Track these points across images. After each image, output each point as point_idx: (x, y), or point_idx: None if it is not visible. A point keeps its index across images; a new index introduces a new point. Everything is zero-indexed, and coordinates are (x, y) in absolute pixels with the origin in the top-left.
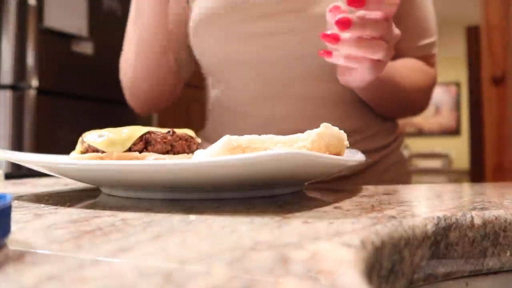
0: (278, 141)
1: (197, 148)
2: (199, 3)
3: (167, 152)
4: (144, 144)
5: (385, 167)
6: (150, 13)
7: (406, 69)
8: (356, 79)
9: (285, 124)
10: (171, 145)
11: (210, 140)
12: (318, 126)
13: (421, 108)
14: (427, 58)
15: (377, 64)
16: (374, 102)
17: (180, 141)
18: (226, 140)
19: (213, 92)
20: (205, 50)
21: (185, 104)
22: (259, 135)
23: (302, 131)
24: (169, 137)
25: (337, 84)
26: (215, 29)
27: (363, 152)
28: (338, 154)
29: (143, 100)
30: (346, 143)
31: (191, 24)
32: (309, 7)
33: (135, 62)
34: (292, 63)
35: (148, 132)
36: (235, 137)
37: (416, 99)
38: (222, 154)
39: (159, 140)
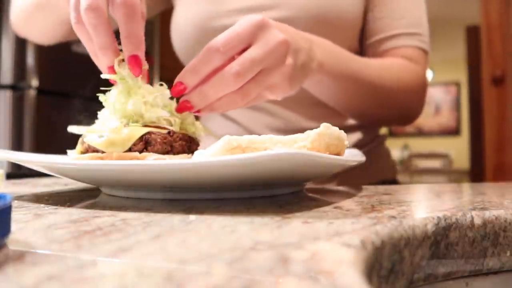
0: (278, 141)
1: (196, 148)
2: (180, 8)
3: (167, 153)
4: (144, 145)
5: (368, 163)
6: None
7: (384, 66)
8: (277, 93)
9: (263, 124)
10: (171, 146)
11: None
12: (297, 126)
13: (413, 111)
14: (416, 54)
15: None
16: (347, 103)
17: (180, 142)
18: (226, 140)
19: None
20: (182, 52)
21: None
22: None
23: (282, 131)
24: (169, 138)
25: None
26: (195, 31)
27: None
28: (338, 154)
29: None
30: (347, 143)
31: (173, 26)
32: (278, 7)
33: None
34: None
35: (148, 133)
36: (235, 137)
37: (404, 100)
38: (222, 154)
39: (159, 140)
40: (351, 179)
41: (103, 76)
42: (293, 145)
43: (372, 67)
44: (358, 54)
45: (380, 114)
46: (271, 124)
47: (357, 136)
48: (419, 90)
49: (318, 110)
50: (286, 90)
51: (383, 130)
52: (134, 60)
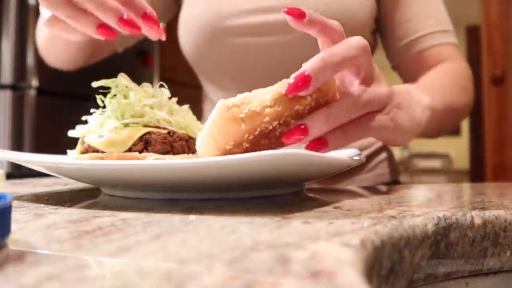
0: (269, 91)
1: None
2: (188, 5)
3: (167, 153)
4: (144, 145)
5: (374, 164)
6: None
7: (447, 80)
8: (398, 140)
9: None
10: (171, 146)
11: None
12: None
13: (471, 105)
14: (452, 50)
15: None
16: (439, 131)
17: (180, 142)
18: (221, 104)
19: (208, 93)
20: (191, 50)
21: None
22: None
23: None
24: (169, 138)
25: None
26: (202, 34)
27: (359, 148)
28: (329, 101)
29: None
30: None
31: (180, 26)
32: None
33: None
34: (275, 67)
35: (148, 133)
36: (229, 99)
37: (468, 102)
38: (221, 118)
39: (159, 140)
40: (358, 182)
41: (94, 84)
42: (282, 89)
43: (445, 87)
44: None
45: (456, 124)
46: None
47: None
48: (472, 86)
49: None
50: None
51: None
52: (146, 18)
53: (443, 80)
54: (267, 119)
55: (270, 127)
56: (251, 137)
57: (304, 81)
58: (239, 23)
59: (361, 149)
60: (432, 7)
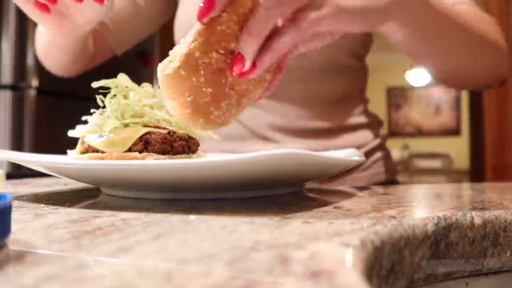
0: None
1: (196, 149)
2: (184, 4)
3: (167, 153)
4: (144, 145)
5: (370, 163)
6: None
7: (466, 9)
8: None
9: (264, 122)
10: (171, 146)
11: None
12: (292, 123)
13: (503, 65)
14: (476, 9)
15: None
16: (440, 51)
17: (179, 142)
18: (158, 67)
19: None
20: None
21: None
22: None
23: (283, 130)
24: (168, 138)
25: (315, 83)
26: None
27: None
28: (254, 6)
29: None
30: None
31: (176, 25)
32: None
33: (53, 55)
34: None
35: (148, 133)
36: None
37: (495, 48)
38: (164, 79)
39: (159, 140)
40: (352, 181)
41: (94, 84)
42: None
43: (457, 9)
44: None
45: (473, 67)
46: (273, 122)
47: (359, 135)
48: (500, 43)
49: (321, 108)
50: (353, 22)
51: (384, 130)
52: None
53: (465, 12)
54: (197, 54)
55: (213, 61)
56: (202, 79)
57: (209, 1)
58: None
59: (361, 146)
60: None
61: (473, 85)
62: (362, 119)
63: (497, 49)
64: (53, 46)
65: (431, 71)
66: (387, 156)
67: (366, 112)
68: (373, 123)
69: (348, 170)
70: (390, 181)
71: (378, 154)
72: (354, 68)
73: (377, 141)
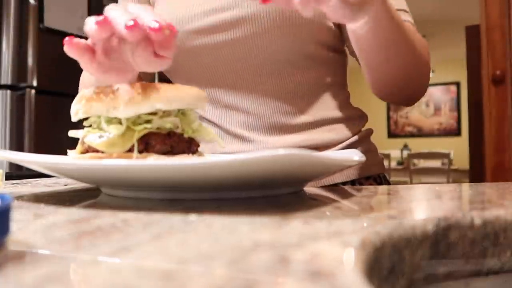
0: None
1: (197, 149)
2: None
3: (167, 153)
4: (144, 145)
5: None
6: None
7: (405, 23)
8: (346, 17)
9: (237, 122)
10: (171, 146)
11: None
12: (268, 119)
13: (422, 84)
14: (414, 28)
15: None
16: (386, 51)
17: (180, 142)
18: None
19: None
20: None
21: None
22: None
23: (256, 128)
24: (169, 138)
25: (284, 78)
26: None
27: (331, 143)
28: None
29: None
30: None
31: None
32: (241, 6)
33: None
34: (237, 63)
35: (148, 134)
36: None
37: (422, 62)
38: None
39: (159, 141)
40: (340, 176)
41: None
42: None
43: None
44: (327, 52)
45: (408, 77)
46: (245, 121)
47: (341, 130)
48: (428, 60)
49: (294, 103)
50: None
51: (367, 125)
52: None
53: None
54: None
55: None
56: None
57: None
58: (196, 25)
59: (343, 141)
60: None
61: (403, 98)
62: (341, 113)
63: (426, 66)
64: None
65: (372, 77)
66: (373, 150)
67: (345, 106)
68: (354, 118)
69: None
70: (379, 174)
71: (362, 148)
72: (327, 59)
73: (357, 136)
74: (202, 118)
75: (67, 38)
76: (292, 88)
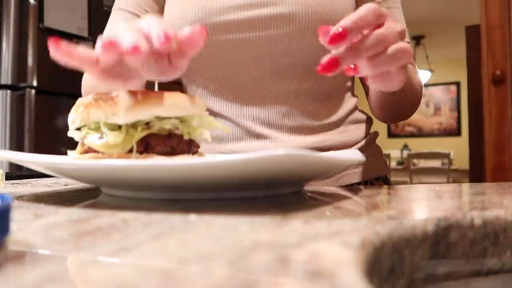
0: None
1: (197, 150)
2: (170, 4)
3: (167, 154)
4: (144, 146)
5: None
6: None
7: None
8: (393, 84)
9: (257, 121)
10: (171, 147)
11: None
12: (289, 119)
13: (416, 106)
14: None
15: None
16: (397, 104)
17: (180, 143)
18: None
19: (192, 94)
20: None
21: None
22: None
23: (278, 128)
24: (169, 139)
25: (308, 80)
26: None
27: (346, 144)
28: None
29: None
30: None
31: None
32: (278, 3)
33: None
34: (264, 62)
35: (149, 134)
36: None
37: (419, 100)
38: None
39: (159, 142)
40: (346, 177)
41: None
42: None
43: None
44: None
45: (402, 113)
46: (265, 119)
47: (353, 132)
48: (421, 96)
49: (314, 105)
50: (400, 81)
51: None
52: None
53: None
54: None
55: None
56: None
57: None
58: (224, 20)
59: (353, 143)
60: (399, 16)
61: (398, 120)
62: (353, 116)
63: (420, 100)
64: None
65: (379, 112)
66: (379, 152)
67: (356, 109)
68: (363, 121)
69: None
70: (383, 177)
71: (370, 150)
72: None
73: (369, 138)
74: (219, 114)
75: (52, 40)
76: (313, 91)
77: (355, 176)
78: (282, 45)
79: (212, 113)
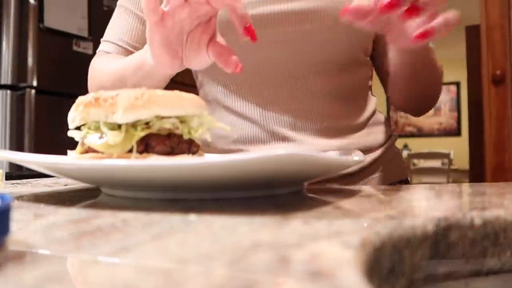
0: None
1: (197, 150)
2: None
3: (167, 154)
4: (144, 146)
5: (384, 163)
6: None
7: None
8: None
9: (281, 123)
10: (171, 147)
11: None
12: (315, 121)
13: (437, 97)
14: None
15: None
16: (415, 71)
17: (180, 143)
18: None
19: (210, 93)
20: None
21: None
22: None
23: (304, 130)
24: (169, 139)
25: (334, 79)
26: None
27: (373, 146)
28: None
29: None
30: None
31: None
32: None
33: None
34: (290, 59)
35: (148, 134)
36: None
37: (440, 82)
38: None
39: (159, 142)
40: (371, 182)
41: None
42: None
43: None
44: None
45: (427, 86)
46: (290, 121)
47: (377, 134)
48: (442, 80)
49: (339, 105)
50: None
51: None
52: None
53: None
54: None
55: None
56: None
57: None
58: (252, 14)
59: (376, 147)
60: None
61: (417, 110)
62: (376, 117)
63: (441, 85)
64: (145, 78)
65: (399, 92)
66: (399, 155)
67: (376, 110)
68: (383, 122)
69: (363, 170)
70: (404, 180)
71: (393, 152)
72: (364, 62)
73: (391, 140)
74: (241, 115)
75: None
76: (339, 90)
77: (379, 180)
78: (309, 42)
79: (234, 113)
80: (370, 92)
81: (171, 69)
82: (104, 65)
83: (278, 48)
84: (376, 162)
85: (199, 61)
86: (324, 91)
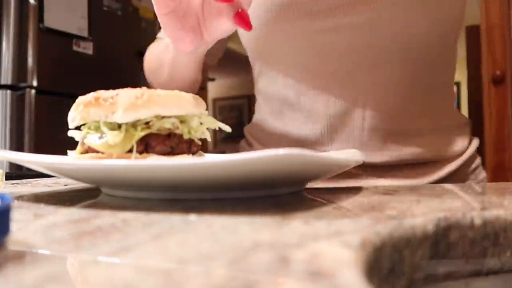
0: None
1: (197, 150)
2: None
3: (167, 154)
4: (144, 146)
5: (465, 175)
6: (189, 68)
7: None
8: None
9: (334, 116)
10: (171, 147)
11: (254, 135)
12: (390, 122)
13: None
14: None
15: None
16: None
17: (180, 143)
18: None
19: (261, 84)
20: (255, 32)
21: None
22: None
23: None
24: (169, 139)
25: (410, 70)
26: (277, 28)
27: (455, 154)
28: None
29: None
30: None
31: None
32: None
33: (164, 79)
34: (361, 48)
35: (148, 134)
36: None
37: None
38: None
39: (159, 142)
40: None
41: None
42: None
43: None
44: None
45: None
46: (375, 125)
47: (459, 139)
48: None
49: (422, 101)
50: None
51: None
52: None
53: None
54: None
55: None
56: None
57: None
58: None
59: (457, 156)
60: None
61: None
62: (456, 118)
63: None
64: (180, 66)
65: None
66: (480, 165)
67: (455, 110)
68: (464, 124)
69: (455, 179)
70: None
71: (478, 161)
72: (449, 54)
73: (473, 146)
74: (305, 110)
75: None
76: (417, 84)
77: None
78: (383, 29)
79: (293, 107)
80: (449, 89)
81: (190, 45)
82: (151, 49)
83: (349, 36)
84: (454, 175)
85: (221, 27)
86: (401, 83)
